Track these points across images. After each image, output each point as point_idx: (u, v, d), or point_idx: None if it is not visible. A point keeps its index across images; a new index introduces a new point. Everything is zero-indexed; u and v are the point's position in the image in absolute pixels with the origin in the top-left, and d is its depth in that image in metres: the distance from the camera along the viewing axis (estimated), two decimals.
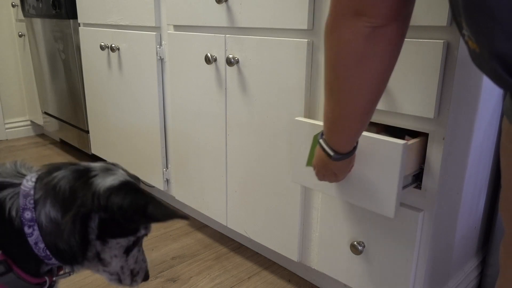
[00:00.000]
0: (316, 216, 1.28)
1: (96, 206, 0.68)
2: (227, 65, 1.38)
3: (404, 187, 1.00)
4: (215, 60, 1.42)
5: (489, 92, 1.14)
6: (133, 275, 0.82)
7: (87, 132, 2.36)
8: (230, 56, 1.34)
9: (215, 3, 1.35)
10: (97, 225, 0.70)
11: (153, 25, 1.68)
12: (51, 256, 0.70)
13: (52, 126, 2.79)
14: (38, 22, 2.55)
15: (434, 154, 0.98)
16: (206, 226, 1.82)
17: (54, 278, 0.77)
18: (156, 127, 1.80)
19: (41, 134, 3.22)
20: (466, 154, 1.11)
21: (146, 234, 0.79)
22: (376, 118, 1.06)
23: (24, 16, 2.68)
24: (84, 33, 2.15)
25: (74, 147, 2.81)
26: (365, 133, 0.93)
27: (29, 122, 3.17)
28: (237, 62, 1.35)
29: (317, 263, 1.29)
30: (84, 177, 0.70)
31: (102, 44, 1.95)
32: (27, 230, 0.68)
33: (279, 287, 1.43)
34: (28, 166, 0.77)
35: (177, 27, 1.60)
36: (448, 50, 0.91)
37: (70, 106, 2.48)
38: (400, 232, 1.06)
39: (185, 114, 1.63)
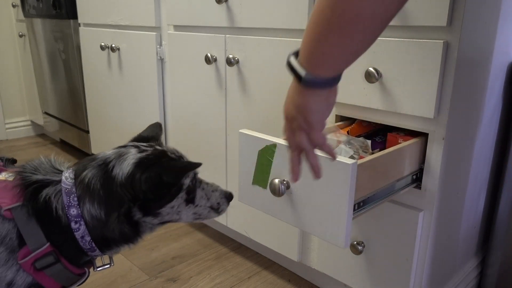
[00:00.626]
0: None
1: (129, 200, 0.73)
2: (227, 65, 1.38)
3: (404, 187, 1.00)
4: (215, 60, 1.42)
5: (489, 92, 1.14)
6: (215, 208, 0.87)
7: (87, 132, 2.37)
8: (230, 56, 1.34)
9: (215, 3, 1.35)
10: (140, 209, 0.75)
11: (153, 25, 1.68)
12: (95, 247, 0.75)
13: (52, 126, 2.80)
14: (38, 22, 2.55)
15: (434, 154, 0.98)
16: (206, 226, 1.82)
17: (95, 270, 0.81)
18: None
19: (41, 134, 3.22)
20: (466, 154, 1.11)
21: (195, 177, 0.81)
22: (375, 118, 1.06)
23: (25, 16, 2.68)
24: (84, 33, 2.15)
25: (74, 147, 2.81)
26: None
27: (29, 122, 3.17)
28: (237, 62, 1.35)
29: (317, 263, 1.29)
30: (107, 173, 0.74)
31: (102, 44, 1.95)
32: (73, 225, 0.72)
33: (279, 287, 1.43)
34: (60, 161, 0.81)
35: (177, 27, 1.60)
36: (448, 50, 0.91)
37: (70, 106, 2.48)
38: (400, 232, 1.06)
39: (185, 114, 1.63)
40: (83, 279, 0.80)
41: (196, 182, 0.83)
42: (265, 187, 0.90)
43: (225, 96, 1.43)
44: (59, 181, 0.75)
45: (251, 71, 1.32)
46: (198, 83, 1.53)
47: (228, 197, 0.89)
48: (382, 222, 1.09)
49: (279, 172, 0.87)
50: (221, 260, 1.59)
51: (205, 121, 1.54)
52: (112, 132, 2.11)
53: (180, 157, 0.82)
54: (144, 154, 0.76)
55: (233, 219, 1.53)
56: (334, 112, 1.15)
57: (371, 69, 0.99)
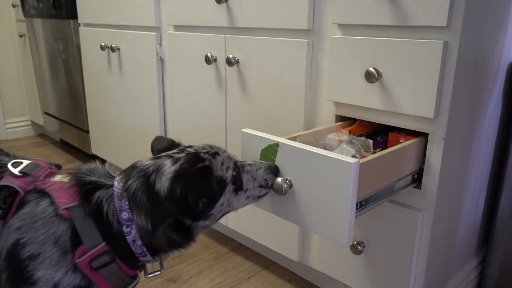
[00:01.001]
0: None
1: (175, 212, 0.72)
2: (227, 65, 1.38)
3: (404, 187, 1.00)
4: (215, 60, 1.42)
5: (489, 92, 1.14)
6: (264, 185, 0.86)
7: (87, 132, 2.37)
8: (230, 56, 1.34)
9: (215, 3, 1.35)
10: (189, 217, 0.75)
11: (153, 25, 1.68)
12: (146, 252, 0.75)
13: (52, 126, 2.80)
14: (38, 22, 2.55)
15: (434, 154, 0.98)
16: None
17: (146, 276, 0.82)
18: (156, 127, 1.80)
19: (41, 134, 3.22)
20: (466, 154, 1.11)
21: (236, 165, 0.81)
22: (376, 118, 1.06)
23: (25, 16, 2.68)
24: (84, 33, 2.15)
25: (74, 147, 2.81)
26: (316, 150, 0.81)
27: (29, 122, 3.17)
28: (237, 62, 1.35)
29: (317, 263, 1.29)
30: (150, 187, 0.73)
31: (102, 44, 1.95)
32: (125, 229, 0.73)
33: (279, 287, 1.44)
34: (114, 169, 0.82)
35: (177, 27, 1.60)
36: (448, 50, 0.91)
37: (70, 106, 2.48)
38: (400, 232, 1.06)
39: (185, 114, 1.63)
40: (135, 282, 0.79)
41: (239, 169, 0.82)
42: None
43: (225, 96, 1.43)
44: (111, 186, 0.75)
45: (251, 71, 1.32)
46: (198, 83, 1.53)
47: (274, 170, 0.87)
48: (382, 222, 1.09)
49: (282, 171, 0.87)
50: (221, 260, 1.59)
51: (205, 121, 1.54)
52: (112, 132, 2.11)
53: (215, 153, 0.80)
54: (178, 165, 0.75)
55: (233, 219, 1.53)
56: (334, 112, 1.15)
57: (371, 69, 0.99)
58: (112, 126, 2.11)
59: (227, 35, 1.37)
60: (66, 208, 0.72)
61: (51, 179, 0.77)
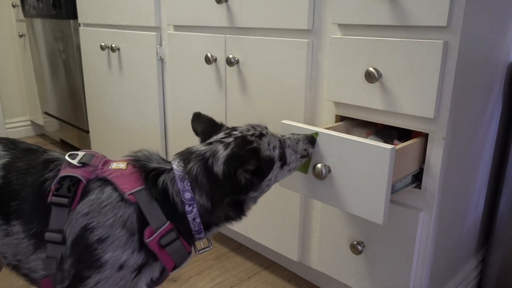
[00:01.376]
0: (316, 216, 1.28)
1: (232, 192, 0.81)
2: (227, 65, 1.38)
3: (404, 187, 1.00)
4: (215, 60, 1.42)
5: (489, 92, 1.14)
6: (304, 155, 0.93)
7: (87, 132, 2.37)
8: (230, 56, 1.34)
9: (215, 3, 1.35)
10: (242, 194, 0.83)
11: (153, 25, 1.68)
12: (202, 229, 0.82)
13: (52, 126, 2.80)
14: (38, 22, 2.55)
15: (434, 154, 0.98)
16: None
17: (197, 252, 0.88)
18: (156, 127, 1.80)
19: (41, 134, 3.22)
20: (466, 154, 1.11)
21: (281, 143, 0.87)
22: (376, 118, 1.06)
23: (25, 16, 2.68)
24: (84, 33, 2.15)
25: (74, 147, 2.81)
26: (353, 138, 0.90)
27: (29, 122, 3.17)
28: (237, 62, 1.35)
29: (317, 263, 1.29)
30: (209, 170, 0.80)
31: (102, 44, 1.95)
32: (187, 208, 0.79)
33: (279, 287, 1.44)
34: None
35: (177, 27, 1.60)
36: (448, 50, 0.91)
37: (70, 106, 2.48)
38: (400, 232, 1.06)
39: (185, 114, 1.63)
40: (189, 259, 0.85)
41: (283, 145, 0.88)
42: (305, 173, 0.99)
43: (225, 96, 1.43)
44: (171, 170, 0.81)
45: (251, 71, 1.32)
46: (198, 83, 1.53)
47: (311, 140, 0.94)
48: None
49: (321, 157, 0.96)
50: (221, 260, 1.59)
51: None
52: (112, 132, 2.11)
53: (261, 134, 0.85)
54: (229, 150, 0.81)
55: None
56: (334, 112, 1.15)
57: (371, 69, 0.99)
58: (112, 126, 2.11)
59: (227, 35, 1.37)
60: (131, 193, 0.77)
61: (108, 167, 0.82)
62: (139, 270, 0.79)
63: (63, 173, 0.79)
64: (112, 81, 2.02)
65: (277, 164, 0.86)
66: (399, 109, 0.99)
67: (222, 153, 0.81)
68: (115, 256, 0.75)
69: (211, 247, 0.90)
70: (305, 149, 0.93)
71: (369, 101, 1.04)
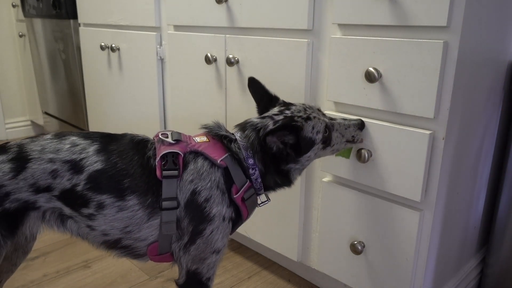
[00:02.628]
0: (316, 216, 1.28)
1: (277, 159, 0.94)
2: (227, 65, 1.38)
3: None
4: (215, 60, 1.42)
5: (489, 92, 1.14)
6: (350, 140, 1.02)
7: None
8: (230, 56, 1.34)
9: (215, 3, 1.35)
10: (285, 162, 0.95)
11: (153, 25, 1.68)
12: (262, 188, 0.96)
13: (52, 126, 2.80)
14: (38, 22, 2.55)
15: (434, 154, 0.98)
16: None
17: (259, 205, 1.01)
18: (156, 127, 1.80)
19: (41, 134, 3.22)
20: (466, 154, 1.11)
21: (327, 127, 0.96)
22: (376, 118, 1.06)
23: (25, 16, 2.68)
24: (84, 33, 2.15)
25: None
26: (390, 125, 1.01)
27: (29, 122, 3.17)
28: (237, 62, 1.35)
29: (317, 263, 1.29)
30: (260, 139, 0.93)
31: (102, 44, 1.95)
32: (251, 171, 0.94)
33: (279, 287, 1.44)
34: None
35: (177, 27, 1.60)
36: (448, 50, 0.91)
37: (70, 106, 2.48)
38: (400, 232, 1.06)
39: (185, 114, 1.63)
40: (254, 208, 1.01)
41: (330, 129, 0.97)
42: (348, 157, 1.11)
43: (225, 96, 1.43)
44: (236, 140, 0.95)
45: (251, 71, 1.32)
46: (198, 83, 1.53)
47: (361, 126, 1.03)
48: (382, 222, 1.09)
49: (363, 143, 1.06)
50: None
51: (205, 121, 1.54)
52: (112, 132, 2.11)
53: (307, 118, 0.94)
54: (276, 126, 0.92)
55: None
56: (334, 112, 1.15)
57: (371, 69, 0.99)
58: (112, 126, 2.11)
59: (227, 35, 1.37)
60: (222, 160, 0.92)
61: (195, 141, 0.96)
62: (232, 221, 0.95)
63: (163, 150, 0.91)
64: (112, 81, 2.02)
65: (319, 145, 0.96)
66: (399, 109, 0.99)
67: (271, 127, 0.93)
68: (219, 210, 0.91)
69: (269, 201, 1.02)
70: (352, 136, 1.01)
71: (369, 101, 1.04)
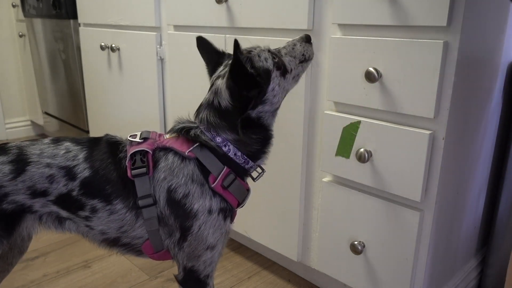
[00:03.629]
0: (316, 216, 1.28)
1: (240, 113, 0.88)
2: None
3: None
4: None
5: (489, 92, 1.14)
6: (303, 60, 0.94)
7: (87, 132, 2.36)
8: None
9: (215, 3, 1.35)
10: (251, 108, 0.88)
11: (153, 25, 1.68)
12: (248, 159, 0.91)
13: (52, 126, 2.80)
14: (38, 22, 2.55)
15: (434, 154, 0.98)
16: None
17: (254, 180, 0.97)
18: (157, 127, 1.80)
19: (41, 134, 3.22)
20: (466, 154, 1.11)
21: (272, 54, 0.90)
22: (376, 118, 1.06)
23: (25, 16, 2.68)
24: (84, 33, 2.15)
25: None
26: (390, 125, 1.00)
27: (29, 122, 3.17)
28: None
29: (317, 263, 1.29)
30: (217, 108, 0.89)
31: (102, 44, 1.95)
32: (224, 148, 0.89)
33: (279, 287, 1.44)
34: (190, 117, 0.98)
35: (177, 27, 1.60)
36: (448, 50, 0.91)
37: (70, 106, 2.48)
38: (400, 232, 1.06)
39: (185, 113, 1.63)
40: (249, 194, 0.96)
41: (277, 55, 0.91)
42: (348, 157, 1.10)
43: None
44: (197, 126, 0.91)
45: None
46: (198, 83, 1.53)
47: (306, 38, 0.95)
48: (382, 222, 1.09)
49: (363, 143, 1.06)
50: (221, 260, 1.58)
51: None
52: (112, 132, 2.11)
53: (249, 51, 0.89)
54: (225, 79, 0.89)
55: None
56: (334, 112, 1.15)
57: (371, 69, 0.99)
58: (112, 126, 2.11)
59: (227, 35, 1.37)
60: (190, 151, 0.88)
61: (164, 137, 0.95)
62: (224, 212, 0.91)
63: (130, 150, 0.91)
64: (112, 81, 2.02)
65: (276, 73, 0.89)
66: (399, 109, 0.99)
67: (222, 85, 0.89)
68: (201, 204, 0.88)
69: (265, 171, 0.97)
70: (303, 54, 0.94)
71: (369, 101, 1.04)
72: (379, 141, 1.04)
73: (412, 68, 0.94)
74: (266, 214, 1.40)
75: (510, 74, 1.21)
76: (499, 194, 1.29)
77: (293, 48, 0.94)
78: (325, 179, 1.21)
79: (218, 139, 0.89)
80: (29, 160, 0.90)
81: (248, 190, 0.95)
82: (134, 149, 0.91)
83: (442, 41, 0.90)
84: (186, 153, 0.89)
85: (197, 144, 0.89)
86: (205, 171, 0.89)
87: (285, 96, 0.95)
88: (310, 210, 1.29)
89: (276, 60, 0.90)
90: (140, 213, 0.90)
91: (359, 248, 1.13)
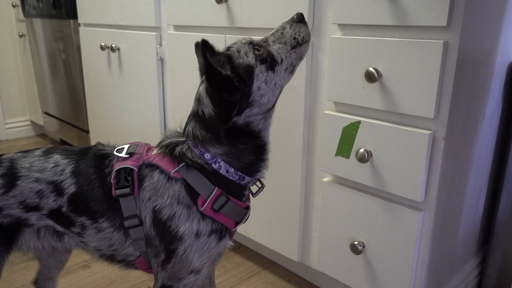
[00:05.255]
0: (316, 216, 1.28)
1: (226, 119, 0.79)
2: None
3: None
4: None
5: (489, 92, 1.14)
6: (296, 44, 0.83)
7: (87, 132, 2.36)
8: None
9: (215, 3, 1.35)
10: (237, 114, 0.79)
11: (153, 25, 1.68)
12: (243, 175, 0.83)
13: (52, 126, 2.80)
14: (38, 22, 2.55)
15: (434, 154, 0.98)
16: None
17: (253, 196, 0.89)
18: (156, 127, 1.80)
19: (42, 134, 3.22)
20: (466, 154, 1.11)
21: (254, 47, 0.80)
22: (376, 118, 1.06)
23: (25, 16, 2.68)
24: (84, 33, 2.15)
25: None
26: (390, 125, 0.99)
27: (29, 122, 3.17)
28: None
29: (317, 263, 1.29)
30: (201, 119, 0.81)
31: (102, 44, 1.95)
32: (214, 166, 0.81)
33: (279, 287, 1.44)
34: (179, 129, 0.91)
35: (177, 27, 1.60)
36: (448, 50, 0.91)
37: (70, 106, 2.48)
38: (400, 232, 1.06)
39: (185, 114, 1.62)
40: (249, 212, 0.88)
41: (262, 47, 0.80)
42: (348, 157, 1.09)
43: None
44: (185, 141, 0.84)
45: None
46: (198, 83, 1.53)
47: (298, 18, 0.84)
48: (382, 222, 1.09)
49: (363, 143, 1.06)
50: (221, 260, 1.58)
51: None
52: (112, 132, 2.11)
53: (227, 49, 0.81)
54: (204, 85, 0.82)
55: None
56: (334, 112, 1.15)
57: (371, 69, 0.99)
58: (112, 126, 2.11)
59: (227, 35, 1.37)
60: (176, 171, 0.81)
61: (152, 153, 0.86)
62: (218, 233, 0.84)
63: (116, 167, 0.84)
64: (112, 81, 2.02)
65: (260, 68, 0.78)
66: (399, 109, 0.99)
67: (203, 91, 0.82)
68: (188, 227, 0.81)
69: (264, 186, 0.90)
70: (294, 37, 0.82)
71: (369, 101, 1.04)
72: (379, 141, 1.04)
73: (412, 68, 0.94)
74: (266, 214, 1.40)
75: (510, 74, 1.21)
76: (499, 194, 1.29)
77: (282, 33, 0.82)
78: (325, 179, 1.21)
79: (207, 156, 0.81)
80: (19, 174, 0.87)
81: (247, 208, 0.87)
82: (119, 165, 0.84)
83: (442, 41, 0.90)
84: (172, 173, 0.82)
85: (183, 164, 0.82)
86: (193, 193, 0.82)
87: (279, 93, 0.83)
88: (310, 210, 1.29)
89: (260, 52, 0.78)
90: (128, 232, 0.85)
91: (359, 248, 1.13)
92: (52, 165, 0.88)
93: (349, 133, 1.08)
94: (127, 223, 0.83)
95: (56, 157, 0.90)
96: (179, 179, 0.82)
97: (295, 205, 1.30)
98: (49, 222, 0.89)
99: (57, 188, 0.86)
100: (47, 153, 0.91)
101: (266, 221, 1.41)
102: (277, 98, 0.83)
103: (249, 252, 1.63)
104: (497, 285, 1.34)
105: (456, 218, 1.17)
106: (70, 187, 0.86)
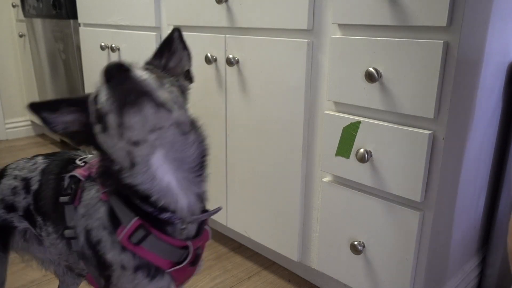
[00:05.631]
0: (316, 216, 1.28)
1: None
2: (227, 65, 1.38)
3: None
4: (215, 60, 1.42)
5: (489, 92, 1.14)
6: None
7: None
8: (230, 56, 1.34)
9: (215, 3, 1.35)
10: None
11: (153, 25, 1.68)
12: (155, 209, 0.69)
13: None
14: (38, 22, 2.55)
15: (434, 154, 0.98)
16: None
17: (206, 215, 0.74)
18: None
19: (42, 134, 3.22)
20: (466, 154, 1.11)
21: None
22: (375, 117, 1.06)
23: (25, 16, 2.68)
24: (84, 33, 2.15)
25: (74, 148, 2.80)
26: (390, 125, 0.99)
27: (29, 122, 3.17)
28: (237, 62, 1.35)
29: (317, 263, 1.29)
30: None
31: (103, 44, 1.95)
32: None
33: (279, 287, 1.44)
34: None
35: (177, 27, 1.59)
36: (448, 50, 0.91)
37: None
38: (400, 232, 1.06)
39: None
40: (189, 254, 0.73)
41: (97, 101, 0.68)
42: (348, 157, 1.10)
43: (225, 96, 1.43)
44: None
45: (251, 71, 1.32)
46: (198, 83, 1.52)
47: (109, 70, 0.62)
48: (382, 222, 1.09)
49: (363, 143, 1.06)
50: (221, 260, 1.58)
51: (205, 121, 1.54)
52: None
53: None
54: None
55: (233, 219, 1.53)
56: (334, 112, 1.15)
57: (371, 69, 0.99)
58: None
59: (227, 35, 1.37)
60: (105, 192, 0.72)
61: None
62: (146, 271, 0.71)
63: (72, 172, 0.79)
64: None
65: (96, 127, 0.67)
66: (399, 109, 0.99)
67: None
68: (114, 256, 0.71)
69: (221, 208, 0.78)
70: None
71: (369, 101, 1.04)
72: (379, 141, 1.04)
73: (412, 68, 0.94)
74: (266, 214, 1.40)
75: (510, 74, 1.21)
76: (499, 194, 1.29)
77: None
78: (325, 179, 1.21)
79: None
80: (6, 173, 0.87)
81: (183, 248, 0.72)
82: (74, 172, 0.79)
83: (442, 41, 0.90)
84: (100, 194, 0.74)
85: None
86: (116, 219, 0.71)
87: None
88: (310, 210, 1.29)
89: (97, 110, 0.71)
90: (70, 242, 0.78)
91: (359, 248, 1.13)
92: (31, 164, 0.87)
93: (349, 133, 1.08)
94: (66, 233, 0.76)
95: (39, 158, 0.88)
96: (106, 201, 0.73)
97: (295, 205, 1.30)
98: (26, 224, 0.86)
99: (26, 185, 0.84)
100: (35, 156, 0.90)
101: (266, 221, 1.41)
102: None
103: (249, 252, 1.63)
104: (497, 285, 1.34)
105: (456, 218, 1.17)
106: (35, 185, 0.84)
